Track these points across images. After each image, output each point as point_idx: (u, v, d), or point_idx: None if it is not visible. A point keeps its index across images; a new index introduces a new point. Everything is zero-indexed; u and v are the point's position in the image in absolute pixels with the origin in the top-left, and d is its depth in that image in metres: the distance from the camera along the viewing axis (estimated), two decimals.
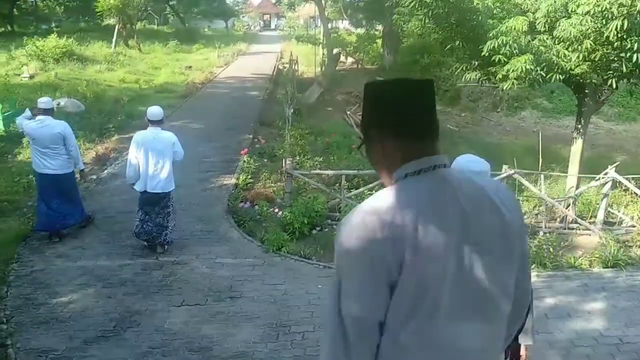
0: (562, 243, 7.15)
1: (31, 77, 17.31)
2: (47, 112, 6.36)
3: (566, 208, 8.15)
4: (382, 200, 1.39)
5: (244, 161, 9.95)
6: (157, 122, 6.11)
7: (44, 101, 6.47)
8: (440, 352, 1.41)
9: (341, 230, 1.40)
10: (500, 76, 7.18)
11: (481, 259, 1.40)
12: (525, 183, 8.13)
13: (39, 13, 41.11)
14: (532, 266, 6.40)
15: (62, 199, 6.49)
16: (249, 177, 9.25)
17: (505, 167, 8.10)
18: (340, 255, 1.40)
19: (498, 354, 1.58)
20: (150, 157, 6.03)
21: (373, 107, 1.49)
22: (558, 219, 8.20)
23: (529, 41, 7.06)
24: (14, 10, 37.40)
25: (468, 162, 2.58)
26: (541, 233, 7.42)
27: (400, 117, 1.43)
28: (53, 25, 36.08)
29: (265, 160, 10.58)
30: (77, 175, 6.95)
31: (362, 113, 1.55)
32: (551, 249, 6.76)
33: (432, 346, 1.40)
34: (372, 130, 1.50)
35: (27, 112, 6.61)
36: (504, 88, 7.41)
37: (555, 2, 7.22)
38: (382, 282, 1.33)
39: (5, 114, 11.81)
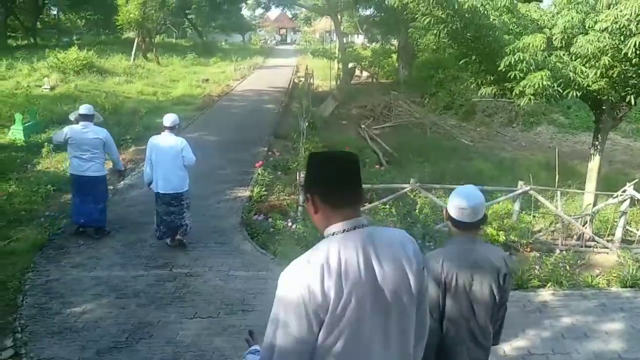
0: (578, 261, 7.04)
1: (52, 88, 17.62)
2: (88, 118, 6.80)
3: (583, 225, 8.03)
4: (315, 253, 1.76)
5: (259, 174, 9.99)
6: (170, 128, 6.51)
7: (85, 108, 6.92)
8: None
9: (281, 278, 1.76)
10: (517, 92, 7.14)
11: (387, 300, 1.78)
12: (541, 200, 8.04)
13: (61, 26, 41.99)
14: (548, 284, 6.32)
15: (92, 200, 6.92)
16: (263, 189, 9.28)
17: (520, 183, 8.03)
18: (277, 298, 1.74)
19: None
20: (161, 160, 6.47)
21: (313, 178, 1.89)
22: (575, 237, 8.08)
23: (546, 57, 7.02)
24: (37, 23, 38.29)
25: (464, 196, 2.79)
26: (557, 251, 7.32)
27: (331, 191, 1.82)
28: (74, 38, 36.78)
29: (280, 173, 10.61)
30: (108, 177, 7.47)
31: (304, 180, 1.93)
32: (567, 267, 6.65)
33: None
34: (309, 195, 1.87)
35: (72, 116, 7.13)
36: (521, 104, 7.37)
37: (572, 18, 7.19)
38: (312, 320, 1.68)
39: (26, 124, 12.04)
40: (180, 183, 6.55)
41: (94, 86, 19.11)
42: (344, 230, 1.79)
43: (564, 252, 7.24)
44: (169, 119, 6.53)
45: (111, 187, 8.68)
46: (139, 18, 26.15)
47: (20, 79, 18.63)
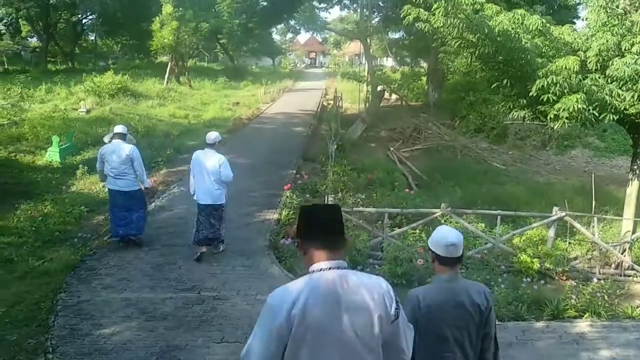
0: (617, 291, 6.76)
1: (88, 111, 18.14)
2: (121, 136, 7.35)
3: (622, 253, 7.74)
4: (295, 284, 2.15)
5: (287, 196, 9.99)
6: (210, 145, 7.11)
7: (119, 127, 7.57)
8: None
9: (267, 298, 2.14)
10: (551, 115, 7.00)
11: (347, 336, 2.08)
12: (577, 226, 7.80)
13: (98, 51, 43.51)
14: (586, 315, 6.09)
15: (127, 211, 7.40)
16: (291, 212, 9.26)
17: (555, 208, 7.82)
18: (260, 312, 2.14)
19: None
20: (201, 174, 7.04)
21: (300, 226, 2.29)
22: (613, 265, 7.79)
23: (580, 80, 6.88)
24: (76, 48, 39.76)
25: (448, 235, 3.05)
26: (595, 280, 7.06)
27: (314, 237, 2.20)
28: (110, 62, 38.02)
29: (308, 195, 10.58)
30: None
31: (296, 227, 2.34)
32: (606, 297, 6.40)
33: None
34: (298, 241, 2.29)
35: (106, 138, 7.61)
36: (555, 127, 7.22)
37: (607, 41, 7.05)
38: (276, 340, 2.05)
39: (62, 146, 12.39)
40: (217, 196, 7.06)
41: (127, 109, 19.60)
42: (321, 269, 2.14)
43: (602, 281, 6.99)
44: (210, 136, 7.17)
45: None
46: (172, 43, 26.87)
47: (58, 102, 19.26)
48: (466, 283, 3.10)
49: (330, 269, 2.14)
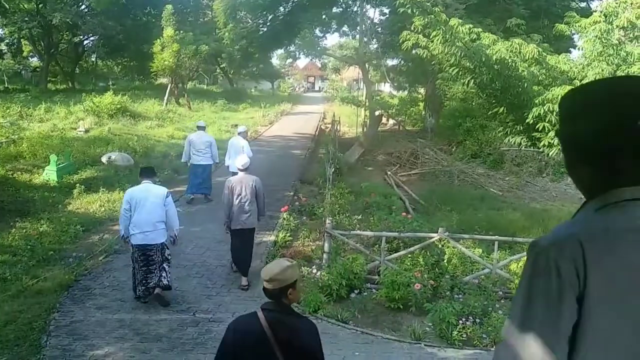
0: None
1: (86, 131, 18.17)
2: (203, 128, 11.47)
3: None
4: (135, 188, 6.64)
5: (284, 218, 9.99)
6: (243, 133, 11.28)
7: (200, 122, 12.00)
8: None
9: None
10: (545, 143, 7.08)
11: (153, 199, 6.30)
12: None
13: (98, 72, 43.82)
14: None
15: (202, 178, 11.24)
16: (288, 234, 9.25)
17: None
18: None
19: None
20: (236, 151, 10.46)
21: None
22: None
23: None
24: (76, 69, 40.06)
25: (239, 161, 7.49)
26: None
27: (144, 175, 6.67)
28: (110, 82, 38.29)
29: (305, 218, 10.58)
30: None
31: None
32: None
33: None
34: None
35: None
36: (550, 155, 7.28)
37: (602, 70, 7.17)
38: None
39: (60, 165, 12.37)
40: (245, 163, 10.47)
41: (126, 129, 19.65)
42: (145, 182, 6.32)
43: None
44: (241, 128, 11.80)
45: None
46: (172, 65, 27.08)
47: (57, 121, 19.30)
48: (248, 175, 7.13)
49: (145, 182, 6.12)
